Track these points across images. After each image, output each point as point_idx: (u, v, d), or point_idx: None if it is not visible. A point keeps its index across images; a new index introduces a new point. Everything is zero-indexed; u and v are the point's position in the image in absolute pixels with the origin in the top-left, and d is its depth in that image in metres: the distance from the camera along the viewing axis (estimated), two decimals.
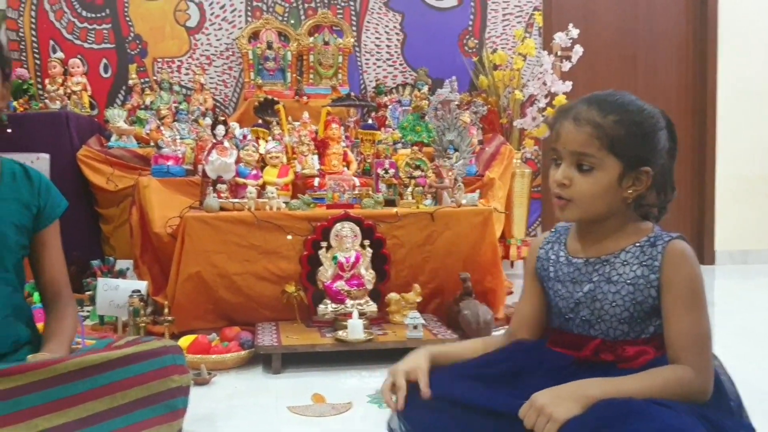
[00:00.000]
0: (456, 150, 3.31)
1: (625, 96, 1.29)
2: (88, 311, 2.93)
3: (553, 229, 1.45)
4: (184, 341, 2.49)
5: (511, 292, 3.49)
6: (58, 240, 1.68)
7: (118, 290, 2.70)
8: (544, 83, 4.05)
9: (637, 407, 1.08)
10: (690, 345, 1.20)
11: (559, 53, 4.17)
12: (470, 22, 4.56)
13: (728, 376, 1.29)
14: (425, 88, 4.18)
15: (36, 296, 2.47)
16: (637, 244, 1.28)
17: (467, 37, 4.56)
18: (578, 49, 4.06)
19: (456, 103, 3.98)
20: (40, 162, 3.35)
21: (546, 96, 4.07)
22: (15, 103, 3.71)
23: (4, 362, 1.47)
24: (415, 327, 2.53)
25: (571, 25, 4.08)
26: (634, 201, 1.29)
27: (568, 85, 4.04)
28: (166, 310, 2.61)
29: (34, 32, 4.21)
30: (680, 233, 1.27)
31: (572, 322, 1.33)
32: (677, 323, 1.21)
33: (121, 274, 3.13)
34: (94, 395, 1.31)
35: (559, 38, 4.10)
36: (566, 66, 4.10)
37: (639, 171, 1.25)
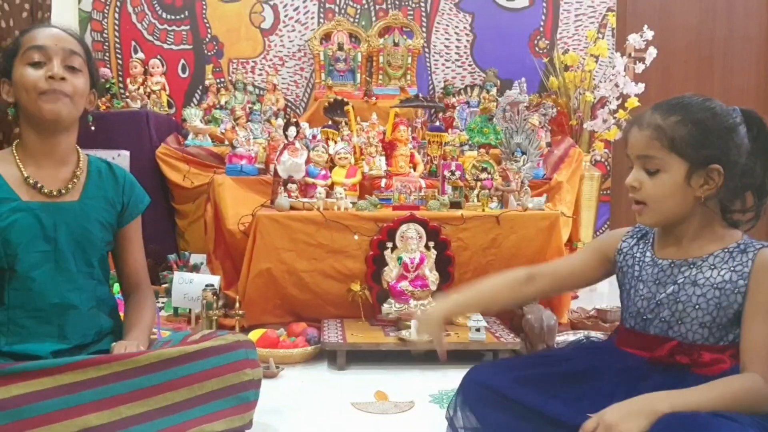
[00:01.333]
0: (524, 153, 3.30)
1: (693, 97, 1.30)
2: (163, 302, 3.06)
3: (636, 225, 1.46)
4: (254, 335, 2.58)
5: (576, 296, 3.46)
6: (140, 235, 1.77)
7: (193, 284, 2.83)
8: (616, 85, 4.00)
9: (701, 421, 1.09)
10: (764, 354, 1.20)
11: (632, 54, 4.11)
12: (542, 23, 4.52)
13: None
14: (494, 90, 4.18)
15: (116, 287, 2.61)
16: (727, 250, 1.28)
17: (538, 37, 4.53)
18: (652, 51, 3.99)
19: (525, 104, 3.96)
20: (120, 159, 3.52)
21: (618, 98, 4.01)
22: (98, 102, 3.90)
23: (88, 351, 1.58)
24: (478, 329, 2.55)
25: (645, 27, 4.01)
26: (714, 202, 1.29)
27: (640, 87, 3.97)
28: (237, 305, 2.71)
29: (117, 33, 4.41)
30: None
31: (650, 323, 1.34)
32: (754, 331, 1.22)
33: (196, 268, 3.25)
34: (174, 386, 1.38)
35: (633, 39, 4.03)
36: (639, 68, 4.03)
37: (709, 169, 1.25)
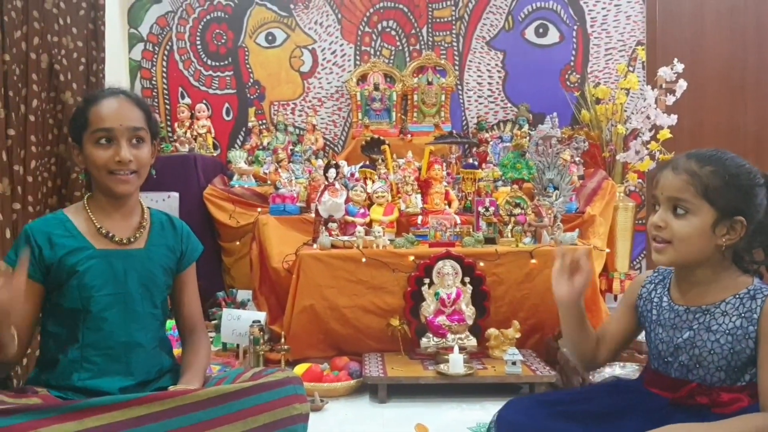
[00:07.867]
0: (556, 188, 3.38)
1: (726, 153, 1.39)
2: (211, 337, 3.20)
3: (655, 270, 1.56)
4: (299, 369, 2.71)
5: None
6: (195, 279, 1.92)
7: (240, 320, 2.97)
8: (648, 117, 4.06)
9: None
10: None
11: (663, 86, 4.17)
12: (572, 58, 4.62)
13: None
14: (526, 126, 4.27)
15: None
16: (737, 296, 1.37)
17: (569, 72, 4.62)
18: (682, 84, 4.04)
19: (557, 138, 4.04)
20: (170, 200, 3.71)
21: (650, 129, 4.07)
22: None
23: (150, 387, 1.71)
24: (514, 363, 2.63)
25: (675, 60, 4.08)
26: (730, 251, 1.38)
27: (673, 119, 4.02)
28: (282, 339, 2.84)
29: (165, 80, 4.65)
30: None
31: (671, 366, 1.43)
32: None
33: (243, 305, 3.40)
34: (229, 419, 1.50)
35: (664, 72, 4.10)
36: (670, 100, 4.09)
37: (733, 220, 1.34)
